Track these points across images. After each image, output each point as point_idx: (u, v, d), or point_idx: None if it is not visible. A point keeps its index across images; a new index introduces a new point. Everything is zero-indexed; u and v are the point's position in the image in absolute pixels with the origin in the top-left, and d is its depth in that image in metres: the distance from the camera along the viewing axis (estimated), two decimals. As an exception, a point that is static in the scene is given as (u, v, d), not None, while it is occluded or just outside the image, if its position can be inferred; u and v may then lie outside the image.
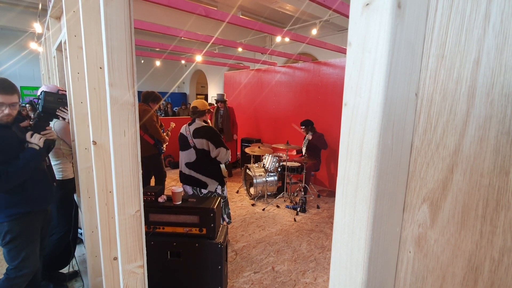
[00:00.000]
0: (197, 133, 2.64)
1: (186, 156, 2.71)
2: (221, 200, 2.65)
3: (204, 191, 2.70)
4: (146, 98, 3.78)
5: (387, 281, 0.51)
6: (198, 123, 2.71)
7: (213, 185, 2.70)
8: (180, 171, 2.79)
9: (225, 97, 5.57)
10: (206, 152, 2.64)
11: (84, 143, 1.83)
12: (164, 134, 3.84)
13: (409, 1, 0.40)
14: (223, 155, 2.64)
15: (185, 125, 2.79)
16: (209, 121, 2.93)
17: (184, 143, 2.73)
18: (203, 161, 2.66)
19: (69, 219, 2.34)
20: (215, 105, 5.65)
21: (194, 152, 2.66)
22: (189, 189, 2.75)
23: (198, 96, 16.25)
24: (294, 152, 4.97)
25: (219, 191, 2.75)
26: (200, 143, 2.62)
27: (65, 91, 2.29)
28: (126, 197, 1.13)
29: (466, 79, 0.41)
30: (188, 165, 2.70)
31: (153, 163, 3.82)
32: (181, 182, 2.81)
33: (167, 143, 3.90)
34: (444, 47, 0.43)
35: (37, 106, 2.18)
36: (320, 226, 3.67)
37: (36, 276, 1.97)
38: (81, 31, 1.47)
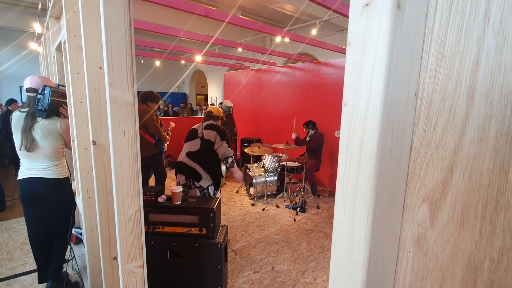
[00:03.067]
0: (210, 126, 2.80)
1: (190, 146, 2.79)
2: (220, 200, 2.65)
3: (196, 183, 2.71)
4: (145, 98, 3.79)
5: (387, 281, 0.51)
6: (212, 121, 2.89)
7: (206, 181, 2.71)
8: (178, 161, 2.81)
9: (231, 109, 5.29)
10: (211, 144, 2.73)
11: (84, 143, 1.83)
12: (165, 133, 3.84)
13: (408, 1, 0.40)
14: (224, 149, 2.73)
15: (200, 123, 2.94)
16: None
17: (192, 135, 2.84)
18: (205, 153, 2.72)
19: (72, 217, 2.34)
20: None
21: (199, 142, 2.75)
22: (183, 179, 2.77)
23: (198, 97, 16.25)
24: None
25: (210, 191, 2.75)
26: (209, 134, 2.74)
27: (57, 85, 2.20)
28: (125, 197, 1.13)
29: (466, 79, 0.41)
30: (189, 154, 2.75)
31: (154, 163, 3.82)
32: (176, 173, 2.81)
33: (168, 142, 3.90)
34: (443, 47, 0.43)
35: (38, 102, 2.03)
36: (319, 226, 3.68)
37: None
38: (80, 31, 1.47)
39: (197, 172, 2.69)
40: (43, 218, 2.18)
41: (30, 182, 2.09)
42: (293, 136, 4.82)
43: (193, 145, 2.76)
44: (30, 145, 2.03)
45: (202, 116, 10.51)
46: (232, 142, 5.63)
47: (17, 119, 2.08)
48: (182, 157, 2.79)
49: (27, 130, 2.02)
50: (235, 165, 2.84)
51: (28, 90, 2.11)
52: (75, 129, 1.81)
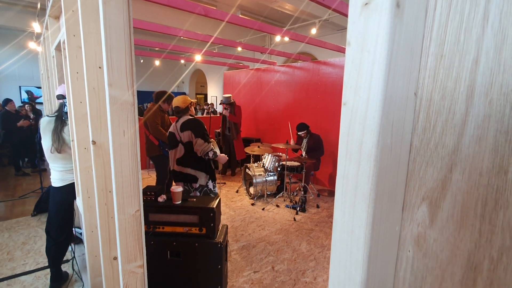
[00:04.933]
0: (183, 126, 2.66)
1: (176, 153, 2.73)
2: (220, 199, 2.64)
3: (195, 185, 2.70)
4: (157, 98, 3.77)
5: (387, 280, 0.51)
6: (184, 117, 2.73)
7: (203, 178, 2.70)
8: (172, 170, 2.79)
9: (231, 99, 5.46)
10: (192, 144, 2.67)
11: (83, 143, 1.83)
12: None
13: (408, 1, 0.40)
14: (199, 146, 2.61)
15: (173, 123, 2.81)
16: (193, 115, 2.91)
17: (173, 141, 2.74)
18: (191, 154, 2.67)
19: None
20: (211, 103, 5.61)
21: (182, 147, 2.68)
22: (182, 185, 2.76)
23: (198, 96, 16.25)
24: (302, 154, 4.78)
25: (210, 186, 2.75)
26: (186, 135, 2.64)
27: None
28: (125, 197, 1.13)
29: (465, 78, 0.41)
30: (178, 161, 2.71)
31: (155, 163, 3.82)
32: (175, 180, 2.80)
33: None
34: (443, 46, 0.43)
35: (64, 109, 2.17)
36: (319, 225, 3.68)
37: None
38: (80, 30, 1.47)
39: (192, 176, 2.68)
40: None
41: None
42: (292, 143, 4.66)
43: (178, 152, 2.70)
44: (61, 146, 2.14)
45: (203, 115, 10.47)
46: (238, 136, 5.58)
47: (46, 123, 2.19)
48: (174, 166, 2.75)
49: (58, 132, 2.14)
50: (218, 154, 2.70)
51: (57, 97, 2.25)
52: (75, 128, 1.81)
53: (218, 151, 2.76)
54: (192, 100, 2.81)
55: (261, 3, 6.89)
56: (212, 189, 2.77)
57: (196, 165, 2.69)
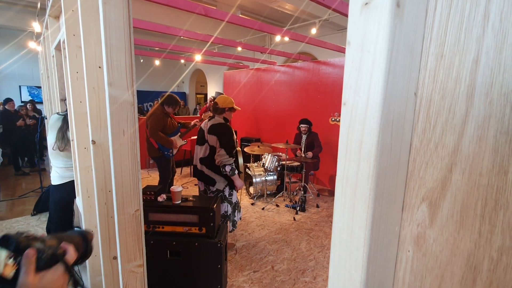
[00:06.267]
0: (212, 129, 2.64)
1: (201, 151, 2.73)
2: (220, 199, 2.63)
3: (212, 188, 2.69)
4: (163, 102, 3.74)
5: (386, 280, 0.51)
6: (217, 119, 2.70)
7: (221, 183, 2.68)
8: (195, 166, 2.80)
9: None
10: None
11: (83, 142, 1.82)
12: (175, 138, 3.69)
13: (408, 0, 0.40)
14: (220, 156, 2.57)
15: (206, 120, 2.82)
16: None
17: (201, 138, 2.75)
18: (214, 158, 2.67)
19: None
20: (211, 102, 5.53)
21: (208, 148, 2.67)
22: (202, 185, 2.79)
23: (198, 96, 16.22)
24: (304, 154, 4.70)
25: (226, 193, 2.71)
26: (212, 139, 2.63)
27: None
28: (125, 196, 1.13)
29: (465, 79, 0.41)
30: (201, 160, 2.71)
31: (158, 163, 3.81)
32: (194, 176, 2.83)
33: (177, 148, 3.73)
34: (443, 46, 0.43)
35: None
36: (319, 225, 3.68)
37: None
38: (80, 30, 1.47)
39: (211, 178, 2.67)
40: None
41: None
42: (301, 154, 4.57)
43: (203, 151, 2.69)
44: (64, 144, 2.19)
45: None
46: None
47: (54, 120, 2.25)
48: (197, 163, 2.75)
49: (63, 131, 2.20)
50: (235, 173, 2.62)
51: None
52: (75, 128, 1.81)
53: (237, 171, 2.64)
54: (232, 105, 2.70)
55: (261, 3, 6.89)
56: (227, 196, 2.73)
57: (217, 169, 2.65)
